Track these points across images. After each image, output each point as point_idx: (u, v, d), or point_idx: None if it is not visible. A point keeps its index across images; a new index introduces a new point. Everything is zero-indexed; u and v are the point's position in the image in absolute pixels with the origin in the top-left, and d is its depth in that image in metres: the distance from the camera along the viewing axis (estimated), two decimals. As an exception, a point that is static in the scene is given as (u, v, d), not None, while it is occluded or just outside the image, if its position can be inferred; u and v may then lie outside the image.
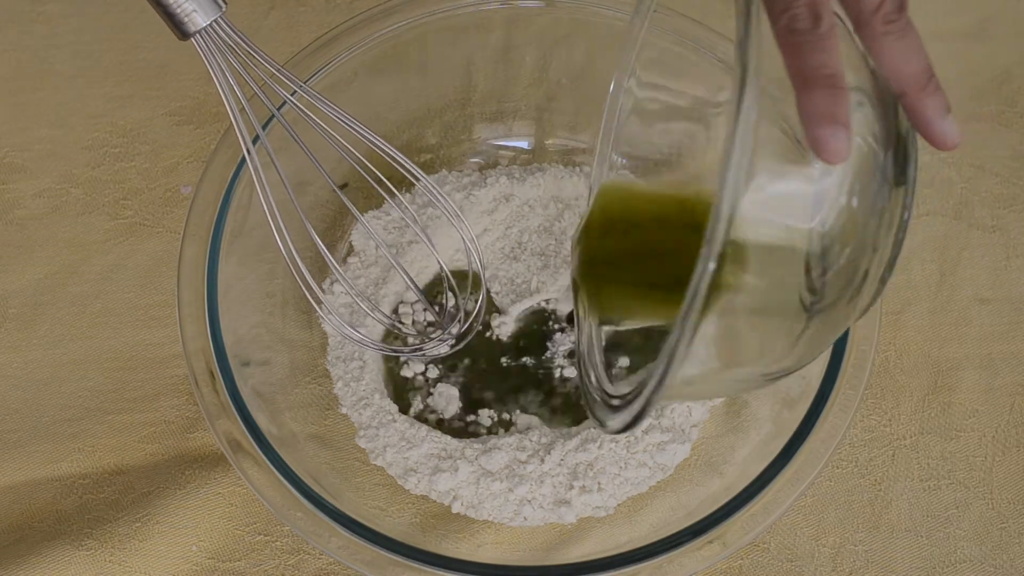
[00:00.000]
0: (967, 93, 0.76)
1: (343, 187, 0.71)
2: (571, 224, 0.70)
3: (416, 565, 0.55)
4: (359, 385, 0.65)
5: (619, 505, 0.62)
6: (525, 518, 0.61)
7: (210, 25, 0.52)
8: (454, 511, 0.62)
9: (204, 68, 0.77)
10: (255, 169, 0.56)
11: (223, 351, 0.59)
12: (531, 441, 0.63)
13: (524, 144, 0.73)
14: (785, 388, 0.62)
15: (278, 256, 0.67)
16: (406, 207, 0.66)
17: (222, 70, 0.54)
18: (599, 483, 0.61)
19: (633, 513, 0.62)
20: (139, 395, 0.67)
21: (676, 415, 0.63)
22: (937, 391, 0.67)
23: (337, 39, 0.66)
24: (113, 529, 0.62)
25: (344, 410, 0.65)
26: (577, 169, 0.72)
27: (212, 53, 0.53)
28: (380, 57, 0.67)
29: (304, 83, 0.58)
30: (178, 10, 0.52)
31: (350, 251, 0.70)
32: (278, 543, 0.63)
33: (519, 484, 0.61)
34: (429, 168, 0.72)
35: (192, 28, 0.52)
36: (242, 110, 0.56)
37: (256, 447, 0.57)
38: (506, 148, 0.73)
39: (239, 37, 0.54)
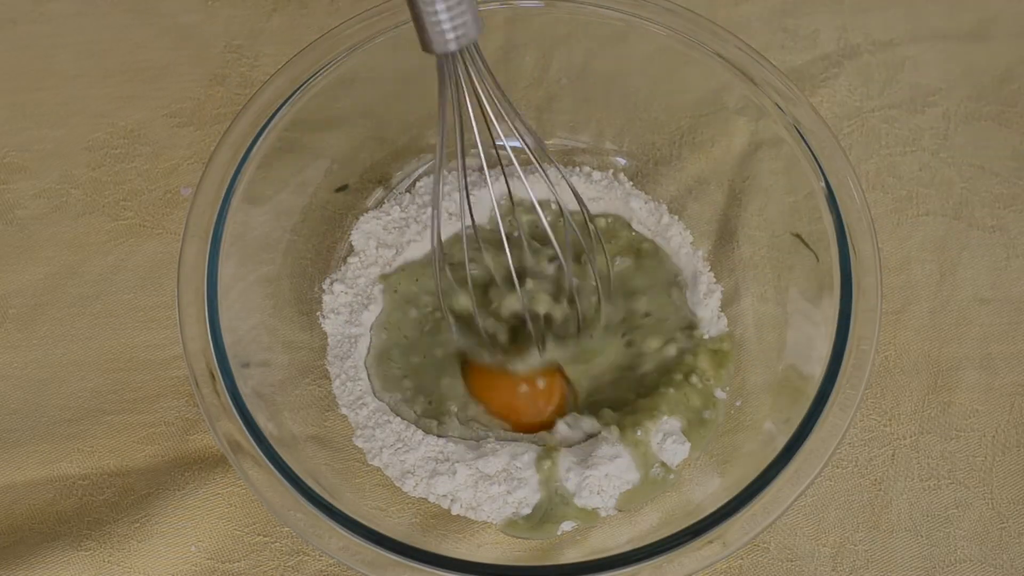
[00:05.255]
0: (967, 93, 0.76)
1: (343, 188, 0.71)
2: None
3: (416, 565, 0.55)
4: (355, 385, 0.65)
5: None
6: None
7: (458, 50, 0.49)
8: (453, 513, 0.62)
9: (205, 70, 0.78)
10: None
11: (223, 352, 0.59)
12: (525, 447, 0.63)
13: (524, 144, 0.73)
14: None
15: (278, 256, 0.67)
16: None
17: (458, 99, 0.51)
18: (600, 485, 0.61)
19: (633, 513, 0.62)
20: (139, 396, 0.67)
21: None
22: (937, 391, 0.67)
23: (338, 39, 0.66)
24: (112, 530, 0.62)
25: (343, 410, 0.65)
26: (577, 169, 0.72)
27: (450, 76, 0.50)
28: (381, 58, 0.67)
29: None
30: (433, 20, 0.48)
31: (350, 251, 0.69)
32: (278, 544, 0.63)
33: (518, 487, 0.61)
34: (429, 168, 0.72)
35: (440, 49, 0.49)
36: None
37: (256, 448, 0.57)
38: (506, 148, 0.73)
39: (484, 68, 0.51)
